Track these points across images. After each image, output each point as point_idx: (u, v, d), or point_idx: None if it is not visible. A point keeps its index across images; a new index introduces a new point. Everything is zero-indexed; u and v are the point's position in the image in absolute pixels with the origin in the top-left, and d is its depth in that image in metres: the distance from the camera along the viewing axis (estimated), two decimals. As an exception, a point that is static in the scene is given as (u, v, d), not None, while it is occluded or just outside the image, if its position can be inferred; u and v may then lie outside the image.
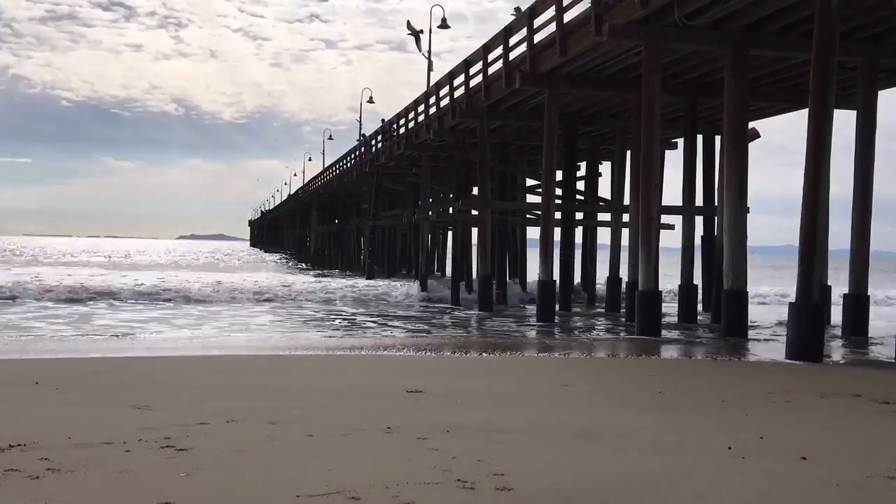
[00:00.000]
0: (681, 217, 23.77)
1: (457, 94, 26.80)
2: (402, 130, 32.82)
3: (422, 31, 35.74)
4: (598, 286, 30.47)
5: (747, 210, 18.17)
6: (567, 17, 19.09)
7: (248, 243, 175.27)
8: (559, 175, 26.31)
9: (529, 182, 33.84)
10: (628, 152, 25.46)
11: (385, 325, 21.88)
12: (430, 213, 34.36)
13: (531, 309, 25.28)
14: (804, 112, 23.29)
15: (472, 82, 25.63)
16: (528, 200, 32.02)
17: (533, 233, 29.55)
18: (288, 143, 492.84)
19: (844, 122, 19.51)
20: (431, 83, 31.84)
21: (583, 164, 30.87)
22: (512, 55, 22.48)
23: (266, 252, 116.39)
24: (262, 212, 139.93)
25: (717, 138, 23.91)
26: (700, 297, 24.51)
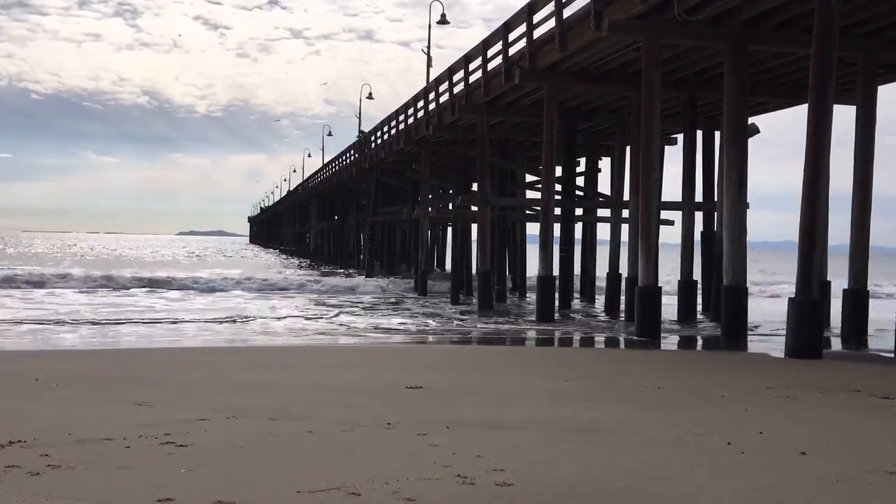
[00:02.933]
0: (680, 213, 23.76)
1: (456, 89, 26.77)
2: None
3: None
4: (597, 282, 30.46)
5: (747, 205, 18.16)
6: (566, 12, 19.07)
7: (248, 240, 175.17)
8: (559, 171, 26.27)
9: (529, 178, 33.79)
10: (628, 148, 25.40)
11: (384, 321, 21.87)
12: (430, 209, 34.33)
13: (530, 304, 25.28)
14: (795, 107, 23.60)
15: (472, 78, 25.60)
16: (527, 196, 31.98)
17: (533, 229, 29.45)
18: (268, 138, 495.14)
19: (843, 117, 19.50)
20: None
21: (582, 160, 30.82)
22: (511, 51, 22.45)
23: (265, 248, 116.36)
24: (261, 208, 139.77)
25: (717, 134, 23.87)
26: (700, 292, 24.50)
